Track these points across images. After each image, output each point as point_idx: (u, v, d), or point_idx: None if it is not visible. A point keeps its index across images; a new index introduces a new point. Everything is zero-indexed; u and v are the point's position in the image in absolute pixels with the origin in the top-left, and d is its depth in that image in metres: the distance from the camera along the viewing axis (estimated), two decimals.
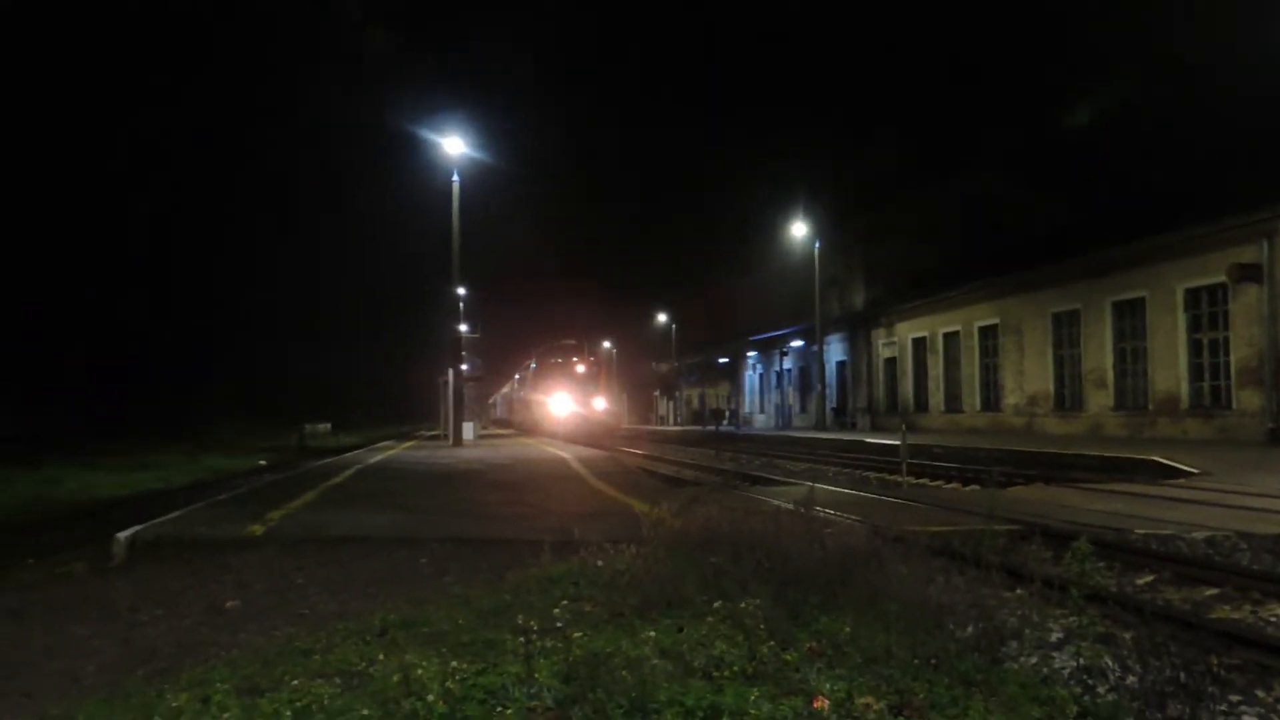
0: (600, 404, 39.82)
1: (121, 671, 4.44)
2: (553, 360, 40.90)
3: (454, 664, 3.65)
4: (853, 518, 8.56)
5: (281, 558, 7.43)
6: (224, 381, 61.43)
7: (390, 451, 25.01)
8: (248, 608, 5.79)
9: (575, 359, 40.53)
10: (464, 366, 30.81)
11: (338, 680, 3.68)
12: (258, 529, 8.78)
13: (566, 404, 38.53)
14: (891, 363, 37.79)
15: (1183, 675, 3.46)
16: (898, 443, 15.58)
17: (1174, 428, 22.21)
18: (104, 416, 39.91)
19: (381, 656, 3.93)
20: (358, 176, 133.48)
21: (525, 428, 43.40)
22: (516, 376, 52.86)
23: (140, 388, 50.57)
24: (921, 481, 17.18)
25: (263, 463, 27.52)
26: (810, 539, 5.38)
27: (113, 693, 3.88)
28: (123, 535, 8.18)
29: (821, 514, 6.89)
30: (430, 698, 3.26)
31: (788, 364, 48.27)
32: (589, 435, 34.63)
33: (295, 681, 3.62)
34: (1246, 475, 12.96)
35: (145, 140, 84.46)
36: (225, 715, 3.28)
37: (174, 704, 3.43)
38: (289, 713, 3.27)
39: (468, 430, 28.59)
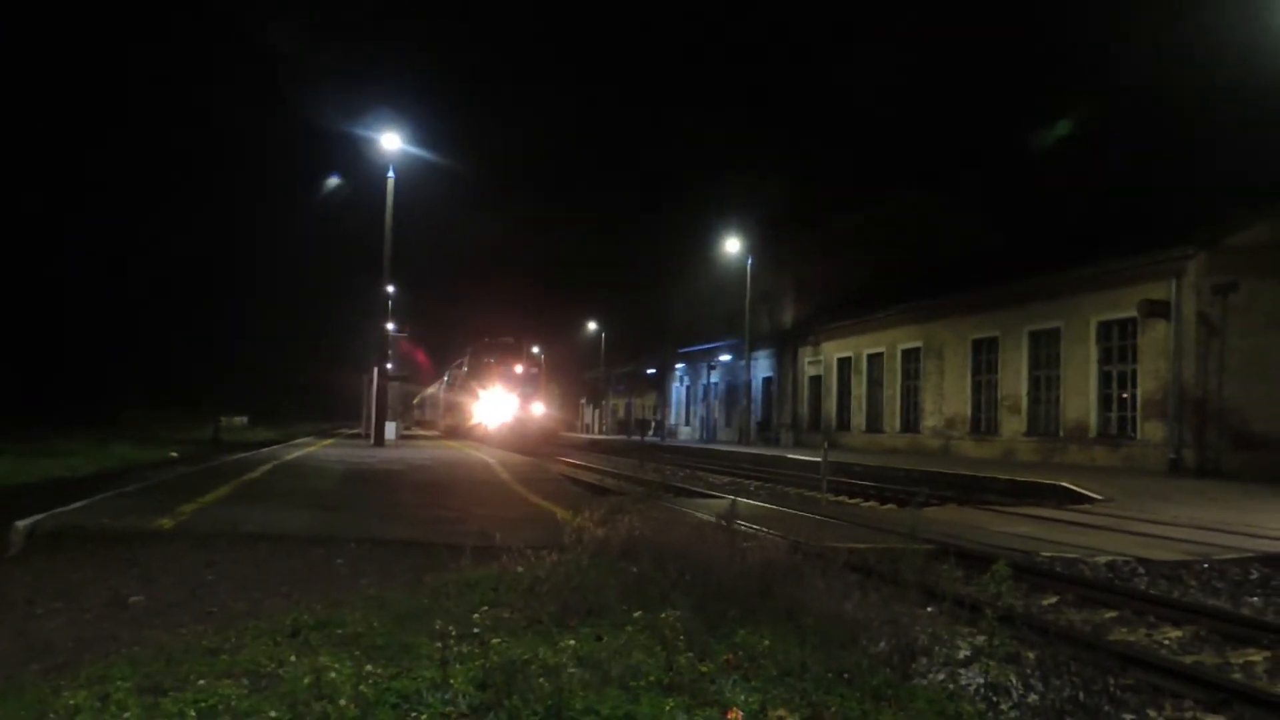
0: (539, 408, 37.76)
1: (15, 666, 4.26)
2: (488, 360, 38.13)
3: (368, 667, 3.60)
4: (773, 532, 8.66)
5: (191, 553, 7.21)
6: (138, 369, 59.42)
7: (309, 448, 24.47)
8: (153, 603, 5.61)
9: (513, 359, 37.99)
10: (389, 365, 30.07)
11: (245, 681, 3.58)
12: (167, 522, 8.52)
13: (503, 406, 36.05)
14: (816, 381, 38.36)
15: (1081, 694, 3.60)
16: (819, 460, 15.83)
17: (1083, 455, 23.00)
18: (9, 401, 38.21)
19: (293, 658, 3.85)
20: (285, 168, 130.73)
21: (455, 431, 40.60)
22: (445, 377, 50.95)
23: (49, 373, 48.60)
24: (841, 499, 17.45)
25: (174, 454, 26.68)
26: (731, 552, 5.44)
27: (5, 688, 3.72)
28: (21, 524, 7.86)
29: (743, 528, 6.97)
30: (342, 701, 3.20)
31: (715, 378, 48.64)
32: (522, 441, 32.35)
33: (201, 681, 3.52)
34: (1148, 503, 13.48)
35: (65, 124, 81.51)
36: (125, 715, 3.17)
37: (71, 701, 3.31)
38: (193, 713, 3.18)
39: (389, 430, 28.09)
